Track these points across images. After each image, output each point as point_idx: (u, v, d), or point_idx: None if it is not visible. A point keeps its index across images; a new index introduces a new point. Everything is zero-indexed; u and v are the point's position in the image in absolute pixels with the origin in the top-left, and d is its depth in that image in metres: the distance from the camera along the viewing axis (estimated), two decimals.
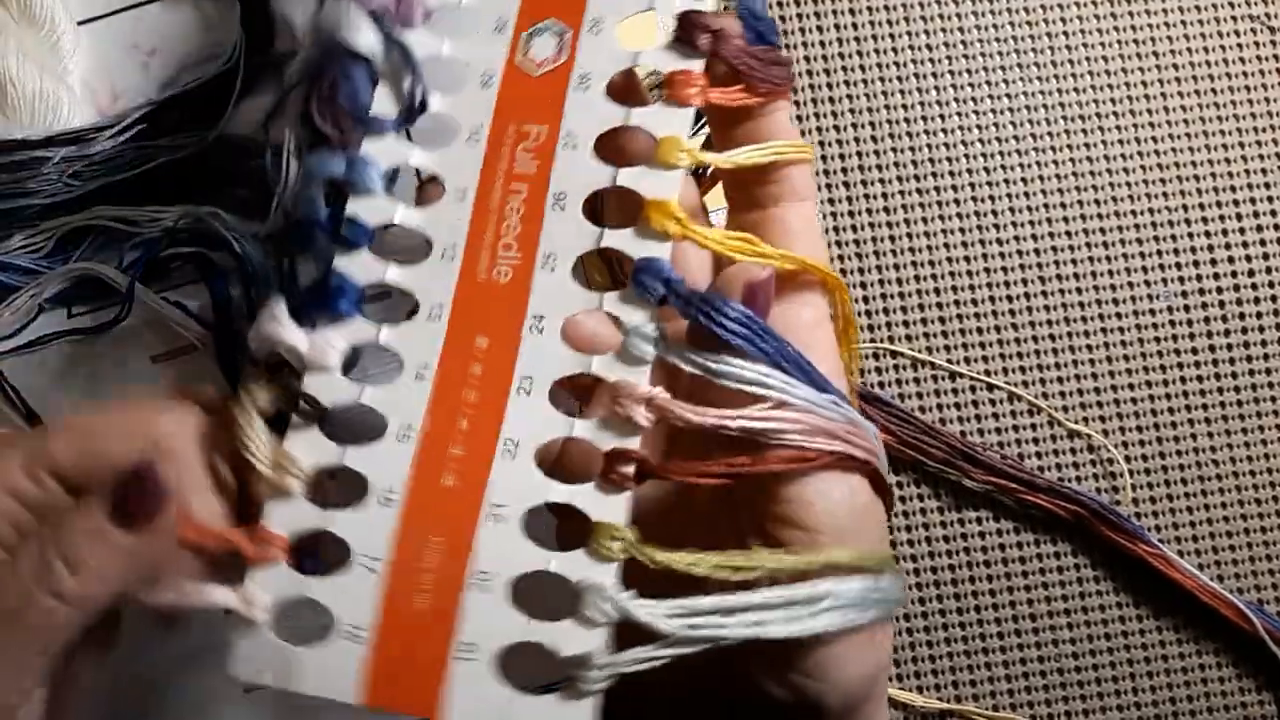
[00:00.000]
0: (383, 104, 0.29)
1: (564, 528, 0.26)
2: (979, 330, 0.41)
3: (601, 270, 0.31)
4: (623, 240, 0.27)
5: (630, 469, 0.26)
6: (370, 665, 0.25)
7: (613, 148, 0.28)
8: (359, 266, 0.28)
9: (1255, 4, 0.42)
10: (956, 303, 0.41)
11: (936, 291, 0.41)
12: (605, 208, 0.28)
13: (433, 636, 0.25)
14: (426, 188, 0.29)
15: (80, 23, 0.37)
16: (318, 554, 0.27)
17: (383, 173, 0.28)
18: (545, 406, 0.26)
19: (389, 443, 0.27)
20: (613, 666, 0.25)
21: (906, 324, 0.41)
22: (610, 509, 0.26)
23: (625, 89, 0.28)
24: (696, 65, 0.28)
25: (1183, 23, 0.42)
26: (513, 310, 0.27)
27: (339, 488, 0.27)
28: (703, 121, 0.32)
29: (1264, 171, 0.42)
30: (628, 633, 0.25)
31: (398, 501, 0.26)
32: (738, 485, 0.26)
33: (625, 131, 0.28)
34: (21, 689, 0.25)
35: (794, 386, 0.26)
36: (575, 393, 0.27)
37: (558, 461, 0.27)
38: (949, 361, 0.41)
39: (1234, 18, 0.42)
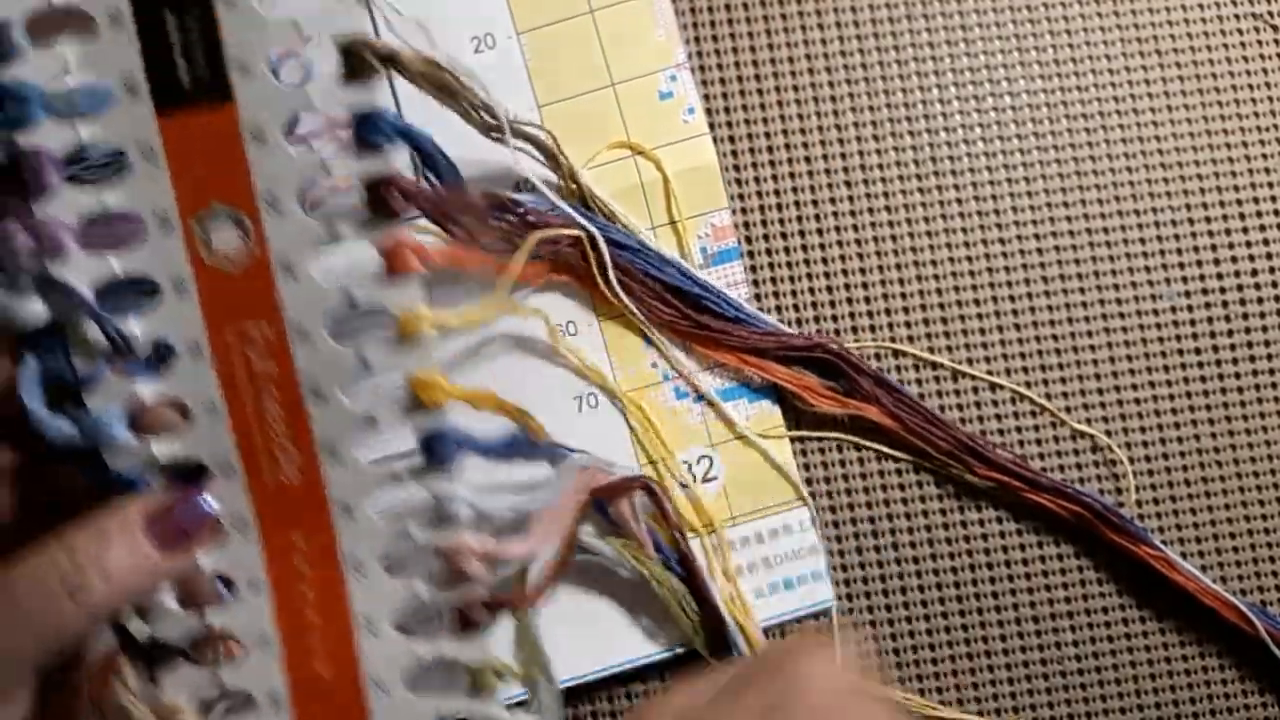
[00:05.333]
0: (85, 350, 0.27)
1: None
2: (982, 330, 0.41)
3: None
4: (401, 424, 0.28)
5: (483, 614, 0.29)
6: None
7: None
8: None
9: (1258, 2, 0.42)
10: (959, 303, 0.41)
11: (939, 292, 0.41)
12: None
13: None
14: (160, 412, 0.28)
15: None
16: None
17: (121, 417, 0.27)
18: (385, 579, 0.28)
19: (255, 654, 0.28)
20: None
21: (909, 324, 0.41)
22: (479, 651, 0.29)
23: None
24: (402, 231, 0.28)
25: (1185, 20, 0.42)
26: (315, 503, 0.28)
27: (231, 703, 0.29)
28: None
29: (1267, 170, 0.42)
30: None
31: (284, 704, 0.28)
32: None
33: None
34: (6, 689, 0.25)
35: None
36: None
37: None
38: (953, 362, 0.41)
39: (1236, 15, 0.42)
